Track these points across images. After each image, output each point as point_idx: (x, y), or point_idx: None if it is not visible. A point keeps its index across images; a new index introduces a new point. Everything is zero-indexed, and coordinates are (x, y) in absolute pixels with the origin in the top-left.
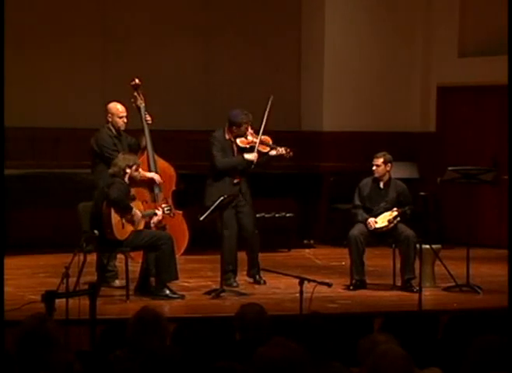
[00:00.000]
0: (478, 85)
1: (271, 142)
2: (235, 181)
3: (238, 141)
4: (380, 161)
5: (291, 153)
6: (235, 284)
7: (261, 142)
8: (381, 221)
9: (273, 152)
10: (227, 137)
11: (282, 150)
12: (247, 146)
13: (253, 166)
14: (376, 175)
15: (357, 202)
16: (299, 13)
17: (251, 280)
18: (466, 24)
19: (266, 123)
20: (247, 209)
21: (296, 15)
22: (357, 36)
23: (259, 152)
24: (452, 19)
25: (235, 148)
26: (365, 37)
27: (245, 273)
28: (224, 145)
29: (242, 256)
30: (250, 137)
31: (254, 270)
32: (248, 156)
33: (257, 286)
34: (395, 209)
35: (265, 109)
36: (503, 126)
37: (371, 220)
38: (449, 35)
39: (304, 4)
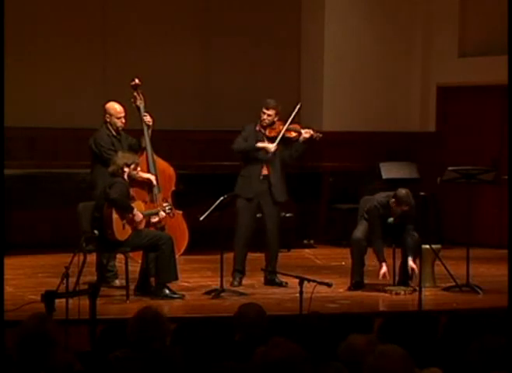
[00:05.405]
0: (478, 85)
1: (298, 127)
2: (262, 174)
3: (267, 131)
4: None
5: (319, 134)
6: (236, 283)
7: (288, 129)
8: (399, 290)
9: (301, 138)
10: (257, 128)
11: (309, 131)
12: (275, 135)
13: (269, 154)
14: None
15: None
16: (299, 13)
17: (270, 283)
18: (466, 24)
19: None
20: (270, 208)
21: (296, 15)
22: (357, 36)
23: (288, 139)
24: (452, 19)
25: (265, 140)
26: (365, 37)
27: (252, 273)
28: (251, 135)
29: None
30: (278, 127)
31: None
32: (260, 144)
33: (256, 286)
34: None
35: (291, 115)
36: (503, 126)
37: (384, 270)
38: (449, 35)
39: (304, 4)
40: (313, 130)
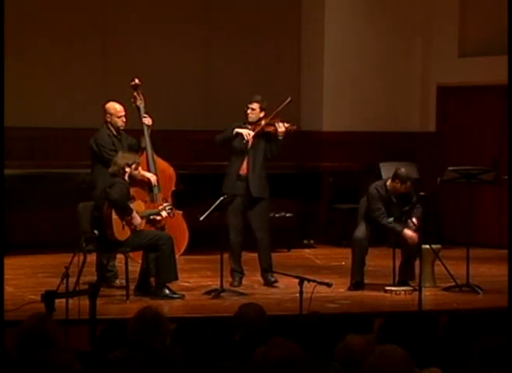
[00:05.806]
0: (478, 85)
1: (275, 121)
2: (240, 173)
3: (252, 127)
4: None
5: (294, 126)
6: (236, 283)
7: (268, 123)
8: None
9: (279, 132)
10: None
11: (283, 125)
12: (259, 130)
13: (244, 141)
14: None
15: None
16: (299, 13)
17: (264, 281)
18: (466, 24)
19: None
20: (251, 206)
21: (296, 15)
22: (357, 36)
23: (269, 135)
24: (452, 19)
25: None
26: (365, 37)
27: (252, 273)
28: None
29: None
30: (261, 122)
31: (263, 270)
32: (238, 130)
33: (256, 286)
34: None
35: (279, 106)
36: (503, 126)
37: (410, 233)
38: (449, 35)
39: (304, 4)
40: (290, 123)
